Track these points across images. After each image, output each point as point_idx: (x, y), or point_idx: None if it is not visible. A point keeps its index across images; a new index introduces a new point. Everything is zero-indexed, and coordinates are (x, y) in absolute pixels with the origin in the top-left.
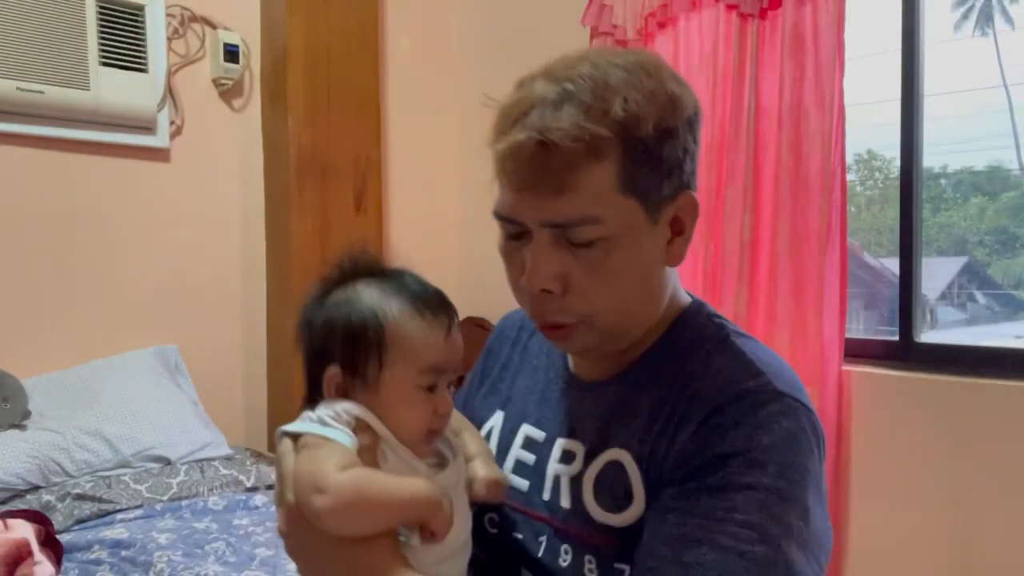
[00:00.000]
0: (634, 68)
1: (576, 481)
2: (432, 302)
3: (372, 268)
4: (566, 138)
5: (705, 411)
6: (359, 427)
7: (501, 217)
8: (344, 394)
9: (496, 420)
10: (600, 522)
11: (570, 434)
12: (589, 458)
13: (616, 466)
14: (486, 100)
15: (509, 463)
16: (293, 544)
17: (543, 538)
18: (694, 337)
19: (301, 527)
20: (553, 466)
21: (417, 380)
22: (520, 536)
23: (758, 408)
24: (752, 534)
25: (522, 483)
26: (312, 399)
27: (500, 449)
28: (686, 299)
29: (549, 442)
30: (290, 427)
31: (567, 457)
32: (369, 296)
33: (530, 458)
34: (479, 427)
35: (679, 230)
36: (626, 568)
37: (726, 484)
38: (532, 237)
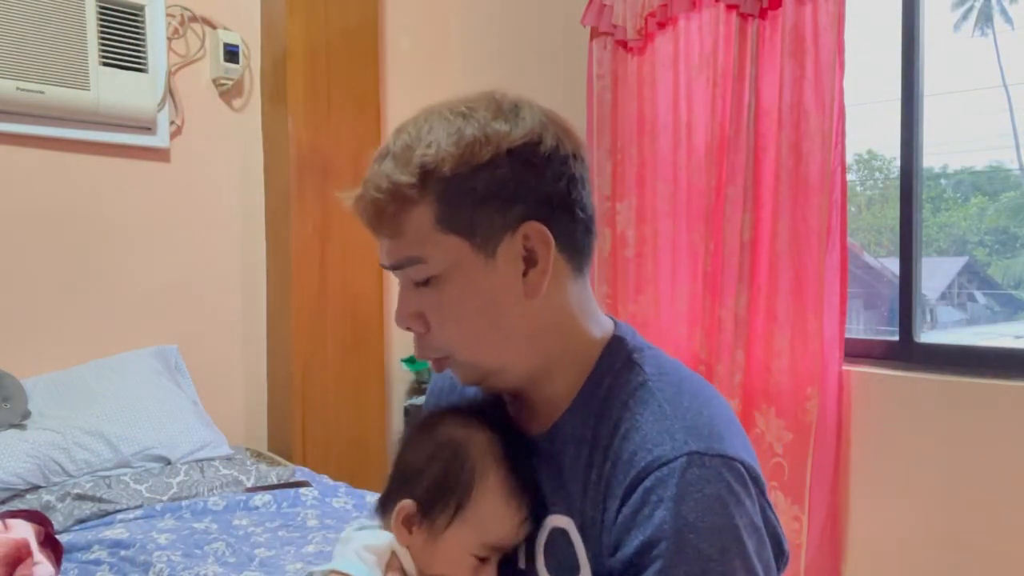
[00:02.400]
0: (454, 115)
1: (528, 543)
2: (525, 487)
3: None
4: (378, 191)
5: (626, 482)
6: (391, 564)
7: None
8: (408, 526)
9: None
10: None
11: None
12: (537, 519)
13: (562, 534)
14: None
15: None
16: None
17: None
18: (613, 386)
19: None
20: None
21: (477, 549)
22: None
23: (675, 477)
24: None
25: None
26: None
27: None
28: (604, 334)
29: None
30: (339, 566)
31: None
32: (477, 450)
33: None
34: None
35: (532, 262)
36: None
37: None
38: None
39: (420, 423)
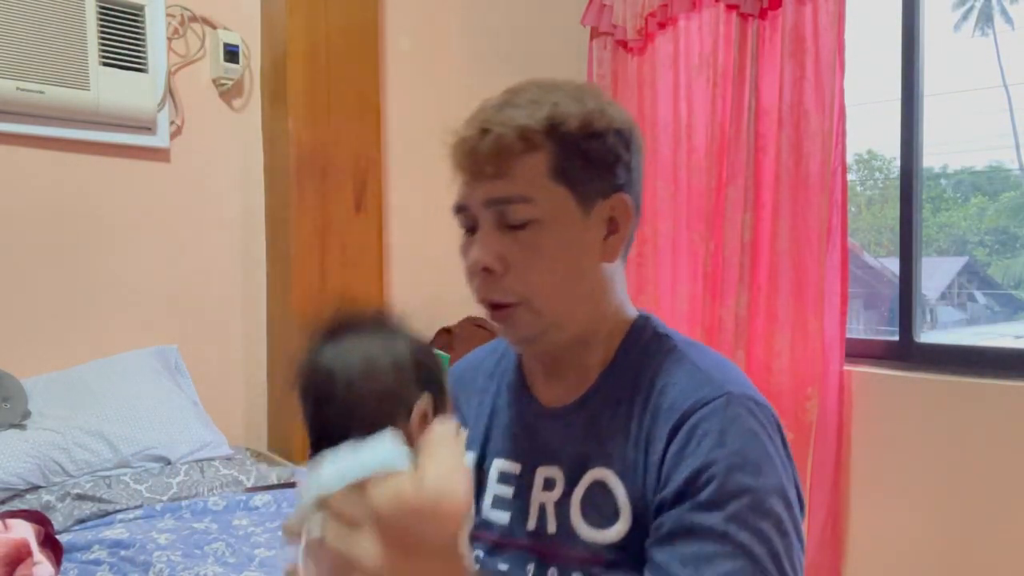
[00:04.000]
0: (571, 87)
1: (561, 505)
2: None
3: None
4: (503, 128)
5: (670, 424)
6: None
7: (457, 208)
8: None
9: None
10: (588, 540)
11: (548, 461)
12: (571, 481)
13: (601, 485)
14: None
15: (487, 499)
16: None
17: (530, 566)
18: (644, 353)
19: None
20: (537, 495)
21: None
22: (505, 568)
23: (719, 414)
24: (753, 536)
25: (502, 516)
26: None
27: (476, 488)
28: (633, 314)
29: (528, 473)
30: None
31: (549, 484)
32: (417, 339)
33: (508, 491)
34: None
35: (614, 229)
36: None
37: (716, 499)
38: (479, 225)
39: (347, 352)
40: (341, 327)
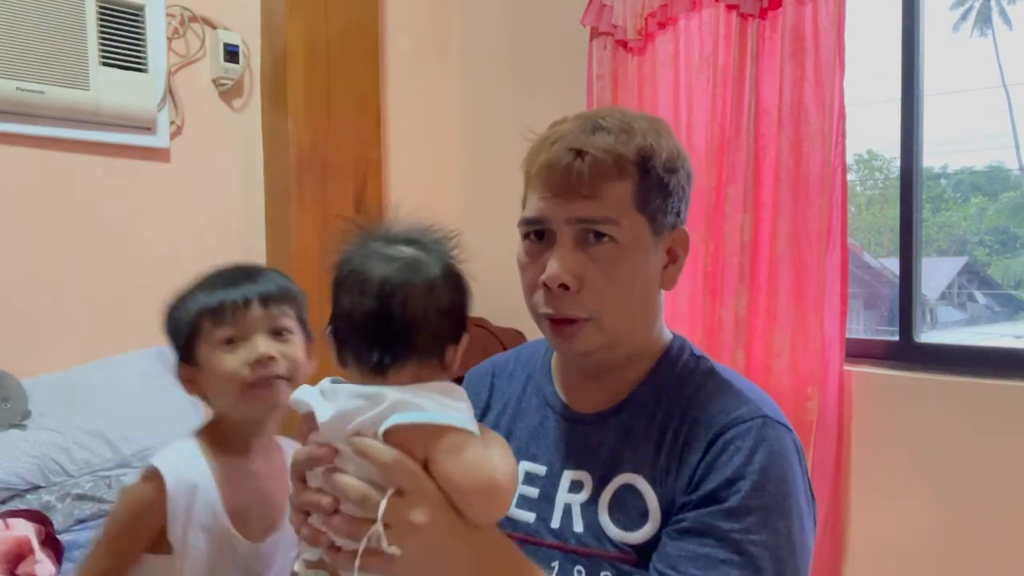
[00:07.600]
0: (652, 121)
1: (589, 506)
2: None
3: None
4: (600, 152)
5: (708, 437)
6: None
7: (531, 220)
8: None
9: None
10: (617, 540)
11: (577, 466)
12: (600, 484)
13: (630, 489)
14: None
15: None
16: (431, 535)
17: (555, 563)
18: (683, 370)
19: (446, 520)
20: (563, 496)
21: None
22: None
23: (753, 433)
24: (764, 551)
25: (528, 515)
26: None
27: None
28: (669, 336)
29: (554, 475)
30: (429, 418)
31: (576, 487)
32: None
33: (533, 492)
34: None
35: (673, 259)
36: None
37: (737, 508)
38: (556, 239)
39: (435, 259)
40: (398, 236)
